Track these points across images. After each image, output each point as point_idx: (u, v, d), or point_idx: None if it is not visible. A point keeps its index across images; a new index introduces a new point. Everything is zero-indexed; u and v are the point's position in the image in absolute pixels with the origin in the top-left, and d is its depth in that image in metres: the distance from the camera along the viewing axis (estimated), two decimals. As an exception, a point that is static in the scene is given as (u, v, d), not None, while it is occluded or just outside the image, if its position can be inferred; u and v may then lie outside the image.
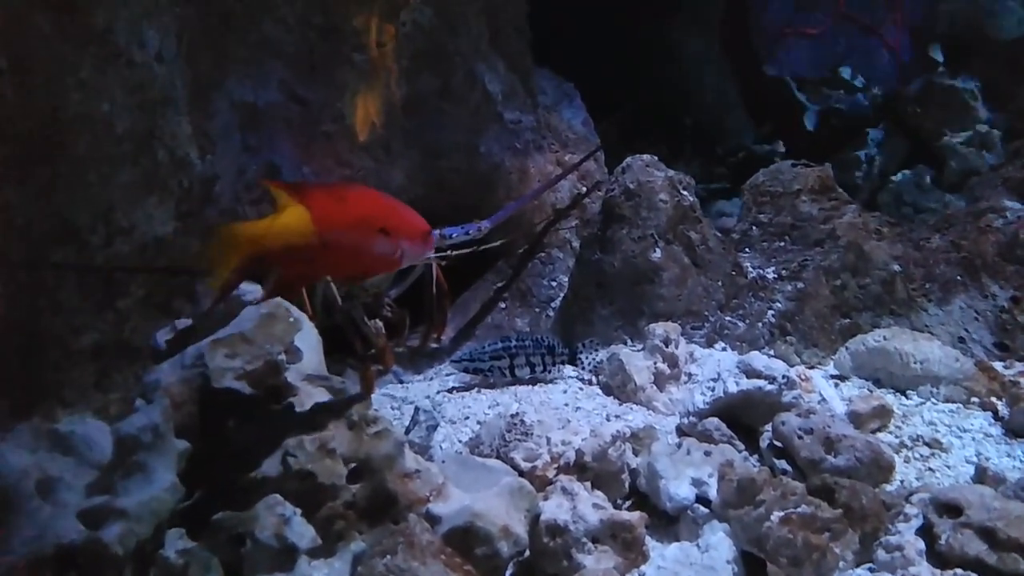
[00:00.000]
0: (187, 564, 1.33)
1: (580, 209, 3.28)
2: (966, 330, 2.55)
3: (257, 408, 1.53)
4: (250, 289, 1.72)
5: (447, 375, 2.72)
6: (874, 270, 2.65)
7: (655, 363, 2.36)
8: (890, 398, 2.28)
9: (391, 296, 2.88)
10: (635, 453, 1.93)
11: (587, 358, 2.50)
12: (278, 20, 2.54)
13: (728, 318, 2.62)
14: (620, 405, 2.32)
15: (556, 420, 2.03)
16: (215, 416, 1.51)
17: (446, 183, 3.06)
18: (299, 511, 1.41)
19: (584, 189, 3.31)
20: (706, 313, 2.61)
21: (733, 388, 2.09)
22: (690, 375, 2.41)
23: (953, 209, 3.42)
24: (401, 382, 2.74)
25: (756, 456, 2.04)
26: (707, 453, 1.88)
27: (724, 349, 2.55)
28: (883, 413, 2.17)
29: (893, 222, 2.91)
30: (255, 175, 2.49)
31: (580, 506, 1.64)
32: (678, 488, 1.78)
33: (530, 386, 2.43)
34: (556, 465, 1.83)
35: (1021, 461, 2.00)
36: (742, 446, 2.05)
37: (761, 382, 2.09)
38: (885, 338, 2.41)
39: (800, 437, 1.92)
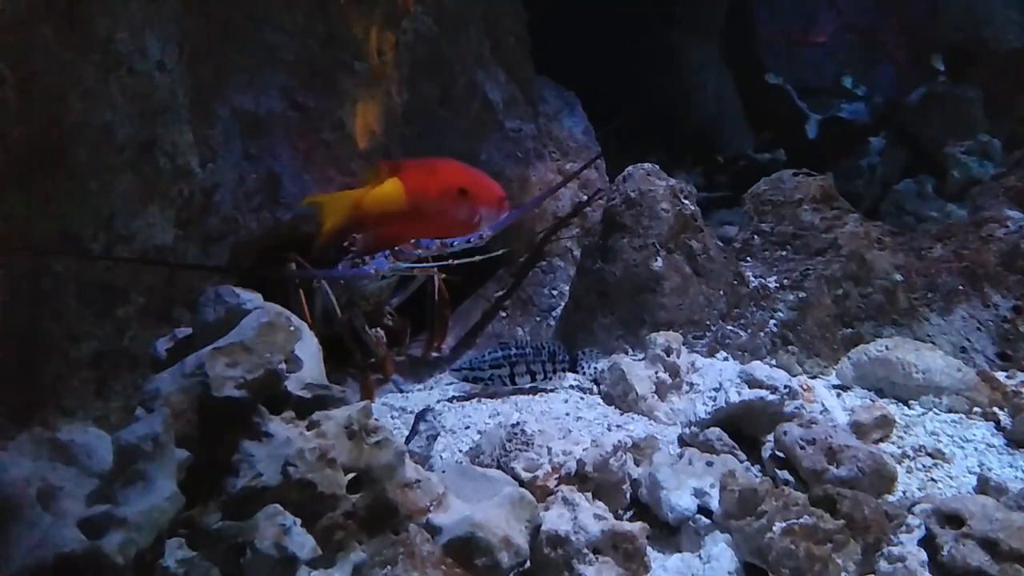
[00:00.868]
0: (187, 574, 1.33)
1: (581, 217, 3.28)
2: (968, 340, 2.54)
3: (257, 417, 1.53)
4: (250, 298, 1.71)
5: (447, 384, 2.71)
6: (876, 279, 2.65)
7: (656, 373, 2.36)
8: (892, 408, 2.27)
9: (392, 305, 2.88)
10: (636, 463, 1.92)
11: (588, 365, 2.50)
12: (279, 28, 2.54)
13: (730, 327, 2.62)
14: (621, 415, 2.32)
15: (557, 430, 2.02)
16: (215, 425, 1.50)
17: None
18: (299, 521, 1.40)
19: (585, 198, 3.31)
20: (708, 322, 2.61)
21: (735, 398, 2.09)
22: (692, 385, 2.40)
23: (955, 218, 3.43)
24: (401, 391, 2.74)
25: (758, 466, 2.04)
26: (709, 463, 1.87)
27: (726, 359, 2.54)
28: (885, 423, 2.16)
29: (895, 231, 2.91)
30: (255, 183, 2.49)
31: (581, 516, 1.64)
32: (680, 499, 1.78)
33: (531, 395, 2.43)
34: (557, 475, 1.83)
35: (1023, 471, 1.99)
36: (744, 456, 2.04)
37: (763, 392, 2.09)
38: (887, 348, 2.41)
39: (802, 447, 1.92)
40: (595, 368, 2.49)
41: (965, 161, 4.34)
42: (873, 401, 2.33)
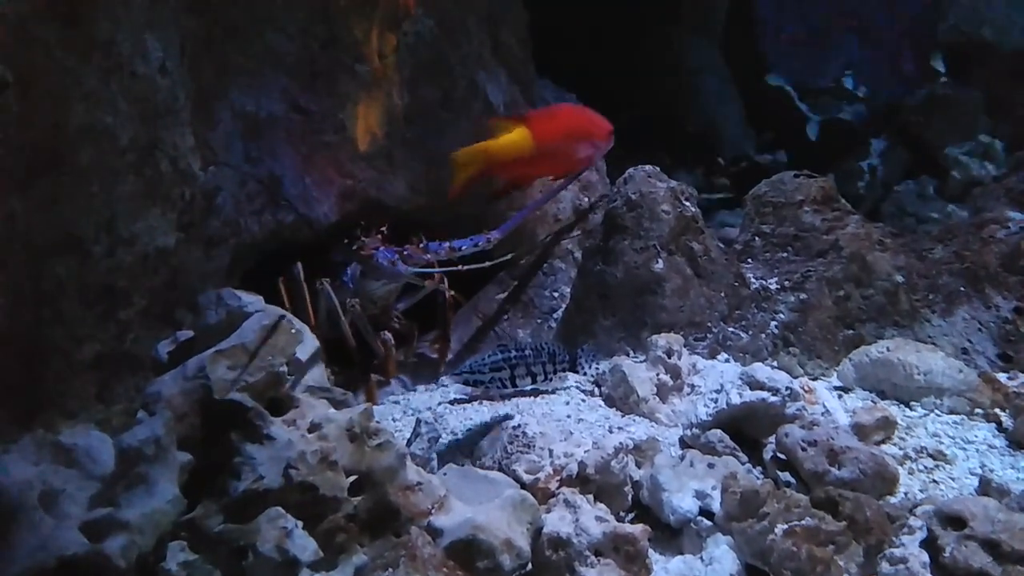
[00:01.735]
0: (189, 577, 1.33)
1: (582, 220, 3.28)
2: (969, 341, 2.54)
3: (259, 420, 1.53)
4: (251, 300, 1.72)
5: (448, 387, 2.71)
6: (877, 281, 2.65)
7: (658, 374, 2.36)
8: (894, 410, 2.27)
9: (399, 309, 2.88)
10: (638, 465, 1.92)
11: (587, 364, 2.50)
12: (280, 31, 2.54)
13: (731, 329, 2.62)
14: (622, 417, 2.31)
15: (558, 432, 2.02)
16: (217, 428, 1.50)
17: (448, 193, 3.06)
18: (301, 524, 1.40)
19: (586, 199, 3.31)
20: (709, 324, 2.61)
21: (736, 400, 2.09)
22: (693, 387, 2.39)
23: (956, 220, 3.42)
24: (406, 389, 2.75)
25: (760, 468, 2.04)
26: (710, 465, 1.87)
27: (727, 360, 2.54)
28: (887, 425, 2.16)
29: (896, 233, 2.91)
30: (257, 186, 2.49)
31: (583, 519, 1.64)
32: (681, 501, 1.78)
33: (532, 398, 2.43)
34: (558, 477, 1.83)
35: (1025, 473, 1.99)
36: (745, 458, 2.04)
37: (764, 394, 2.09)
38: (888, 349, 2.41)
39: (804, 449, 1.92)
40: (595, 367, 2.49)
41: (966, 162, 4.34)
42: (874, 403, 2.33)
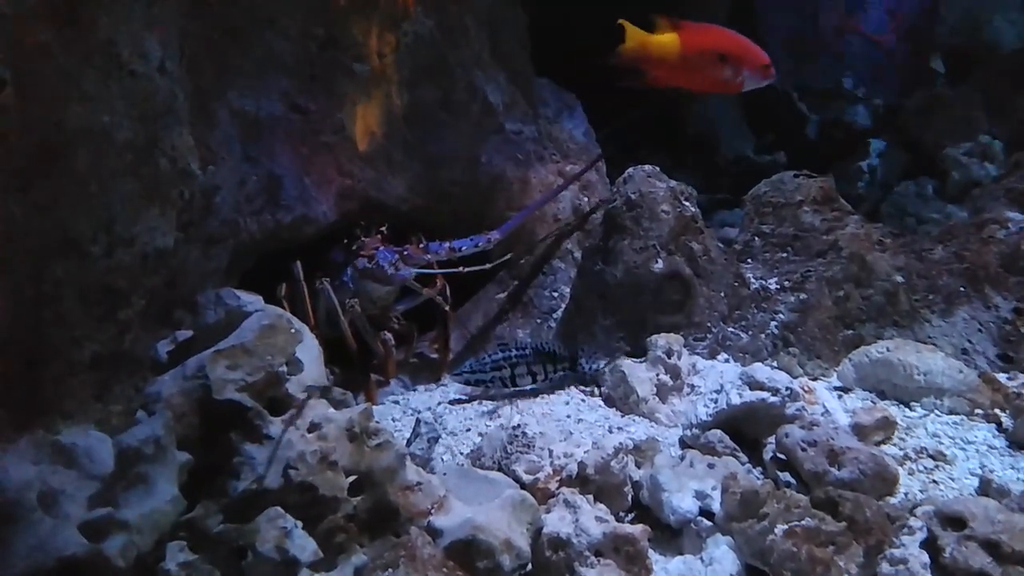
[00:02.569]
0: (188, 577, 1.33)
1: (581, 220, 3.28)
2: (969, 341, 2.54)
3: (258, 420, 1.53)
4: (251, 300, 1.72)
5: (448, 387, 2.71)
6: (877, 281, 2.65)
7: (657, 375, 2.36)
8: (894, 410, 2.27)
9: (398, 311, 2.88)
10: (638, 466, 1.92)
11: (587, 363, 2.50)
12: (279, 31, 2.54)
13: (731, 329, 2.61)
14: (622, 417, 2.32)
15: (558, 432, 2.03)
16: (216, 428, 1.50)
17: (447, 194, 3.06)
18: (300, 524, 1.40)
19: (586, 199, 3.31)
20: (708, 324, 2.61)
21: (736, 400, 2.09)
22: (693, 387, 2.40)
23: (955, 220, 3.41)
24: (406, 389, 2.75)
25: (760, 469, 2.04)
26: (710, 466, 1.87)
27: (727, 361, 2.54)
28: (887, 425, 2.16)
29: (896, 233, 2.91)
30: (256, 186, 2.49)
31: (583, 519, 1.64)
32: (681, 501, 1.78)
33: (532, 398, 2.43)
34: (558, 478, 1.83)
35: (1025, 473, 1.99)
36: (745, 458, 2.04)
37: (764, 394, 2.09)
38: (888, 350, 2.40)
39: (804, 449, 1.92)
40: (594, 367, 2.49)
41: (965, 163, 4.33)
42: (874, 403, 2.33)
